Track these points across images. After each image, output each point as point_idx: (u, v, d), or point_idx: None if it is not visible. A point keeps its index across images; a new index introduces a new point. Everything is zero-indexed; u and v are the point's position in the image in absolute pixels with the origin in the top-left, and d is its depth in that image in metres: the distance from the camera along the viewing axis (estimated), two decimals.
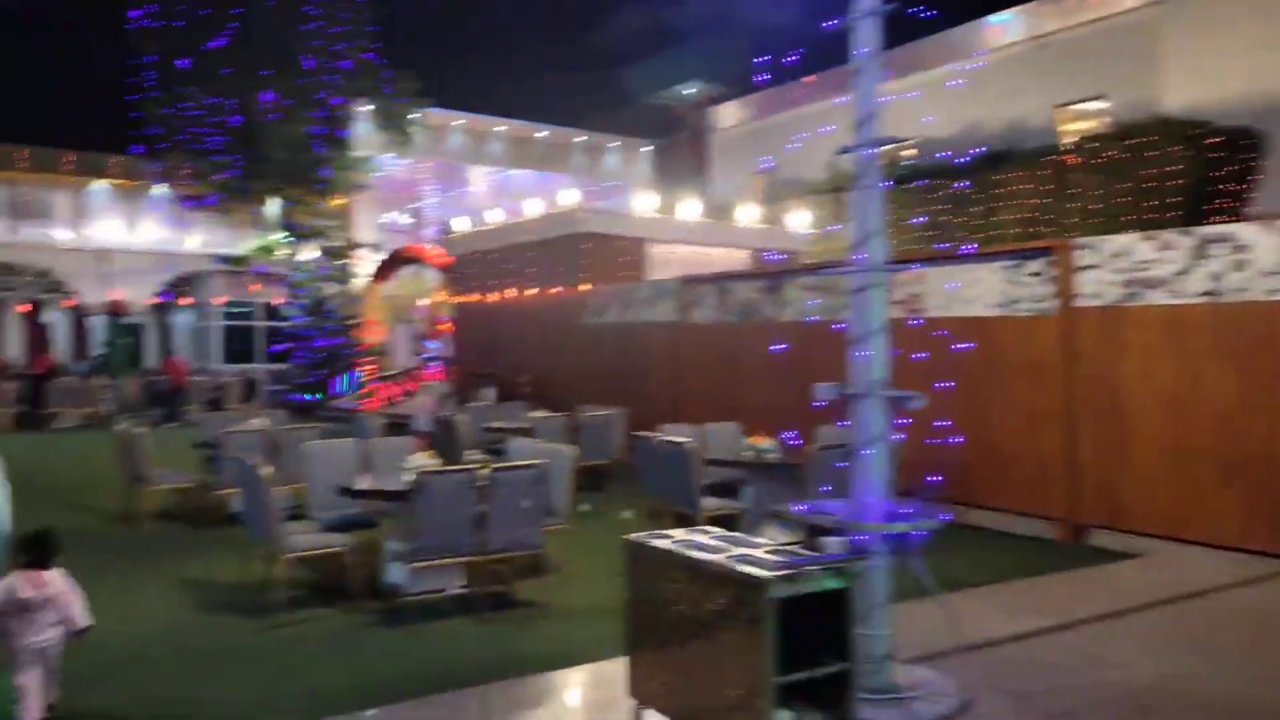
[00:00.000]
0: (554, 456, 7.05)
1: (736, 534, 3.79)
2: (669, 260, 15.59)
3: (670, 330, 12.86)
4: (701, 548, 3.45)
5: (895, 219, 19.12)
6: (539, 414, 11.62)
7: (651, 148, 28.61)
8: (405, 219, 30.89)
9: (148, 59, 21.74)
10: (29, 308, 27.97)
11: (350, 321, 23.21)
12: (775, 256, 16.23)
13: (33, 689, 4.09)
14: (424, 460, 6.63)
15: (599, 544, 8.19)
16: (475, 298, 18.16)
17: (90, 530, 8.96)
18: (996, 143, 17.81)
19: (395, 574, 6.47)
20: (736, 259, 16.31)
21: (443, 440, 10.96)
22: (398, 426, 12.21)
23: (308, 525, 6.83)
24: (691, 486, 7.68)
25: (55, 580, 4.23)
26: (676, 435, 8.48)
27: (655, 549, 3.50)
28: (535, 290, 16.06)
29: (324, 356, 23.77)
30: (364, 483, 6.74)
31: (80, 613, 4.26)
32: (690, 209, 16.01)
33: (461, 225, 19.26)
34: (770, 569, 3.09)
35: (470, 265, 18.38)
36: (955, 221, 16.28)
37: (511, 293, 16.83)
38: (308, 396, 23.22)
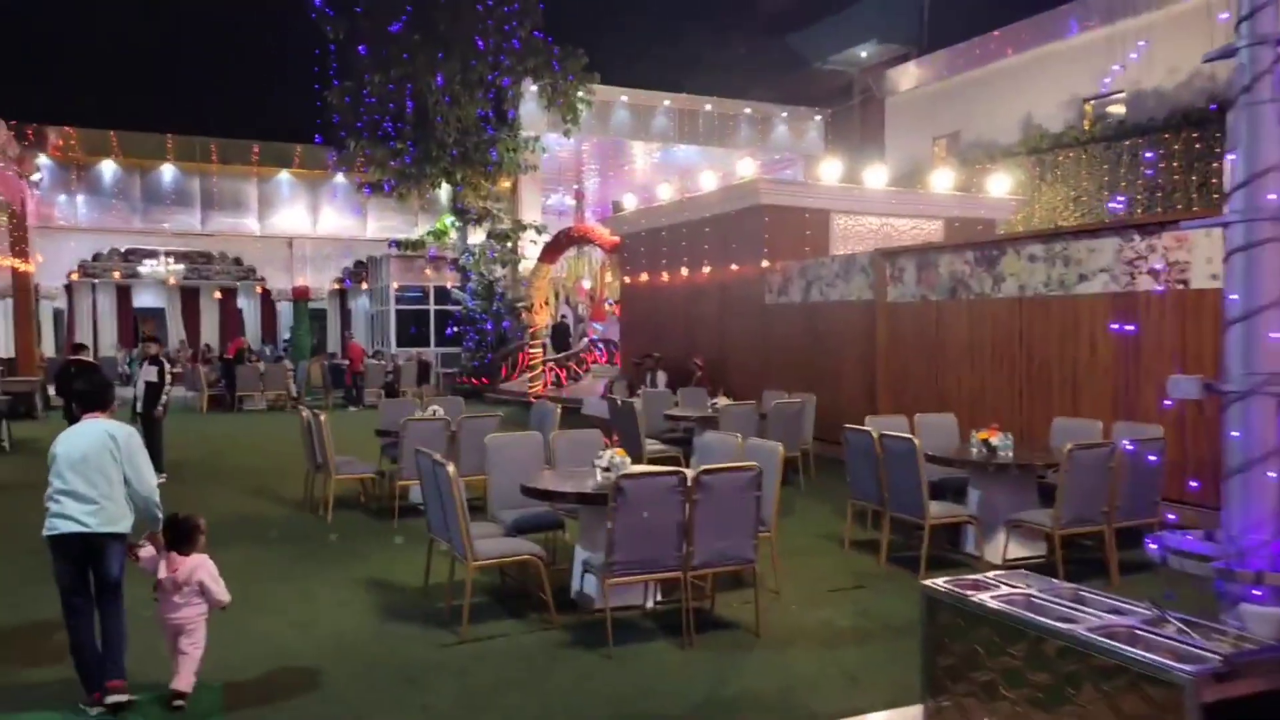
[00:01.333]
0: (761, 455, 6.16)
1: (1069, 584, 2.78)
2: (855, 233, 14.37)
3: (863, 309, 11.77)
4: (1040, 608, 2.46)
5: (1098, 182, 17.06)
6: (723, 401, 10.75)
7: (822, 116, 27.11)
8: (569, 200, 30.65)
9: (330, 47, 22.25)
10: (221, 294, 29.53)
11: (519, 304, 23.17)
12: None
13: (173, 654, 4.43)
14: (617, 458, 5.88)
15: (799, 549, 7.28)
16: (644, 278, 17.49)
17: (273, 518, 8.84)
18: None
19: (586, 584, 5.78)
20: (928, 231, 14.86)
21: (623, 429, 10.34)
22: (568, 411, 11.64)
23: (490, 526, 6.24)
24: (917, 489, 6.62)
25: (189, 567, 4.44)
26: (891, 428, 7.41)
27: (981, 609, 2.53)
28: (709, 269, 15.22)
29: (493, 339, 23.90)
30: (548, 480, 6.09)
31: (218, 595, 4.48)
32: (876, 177, 14.68)
33: (630, 203, 18.57)
34: (1187, 658, 2.08)
35: (639, 244, 17.73)
36: (1190, 180, 14.26)
37: (683, 272, 16.06)
38: (477, 380, 23.39)
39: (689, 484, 5.14)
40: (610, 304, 25.30)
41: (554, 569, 6.15)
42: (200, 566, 4.46)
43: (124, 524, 4.37)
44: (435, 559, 6.31)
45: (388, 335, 27.32)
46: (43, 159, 22.80)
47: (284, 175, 24.96)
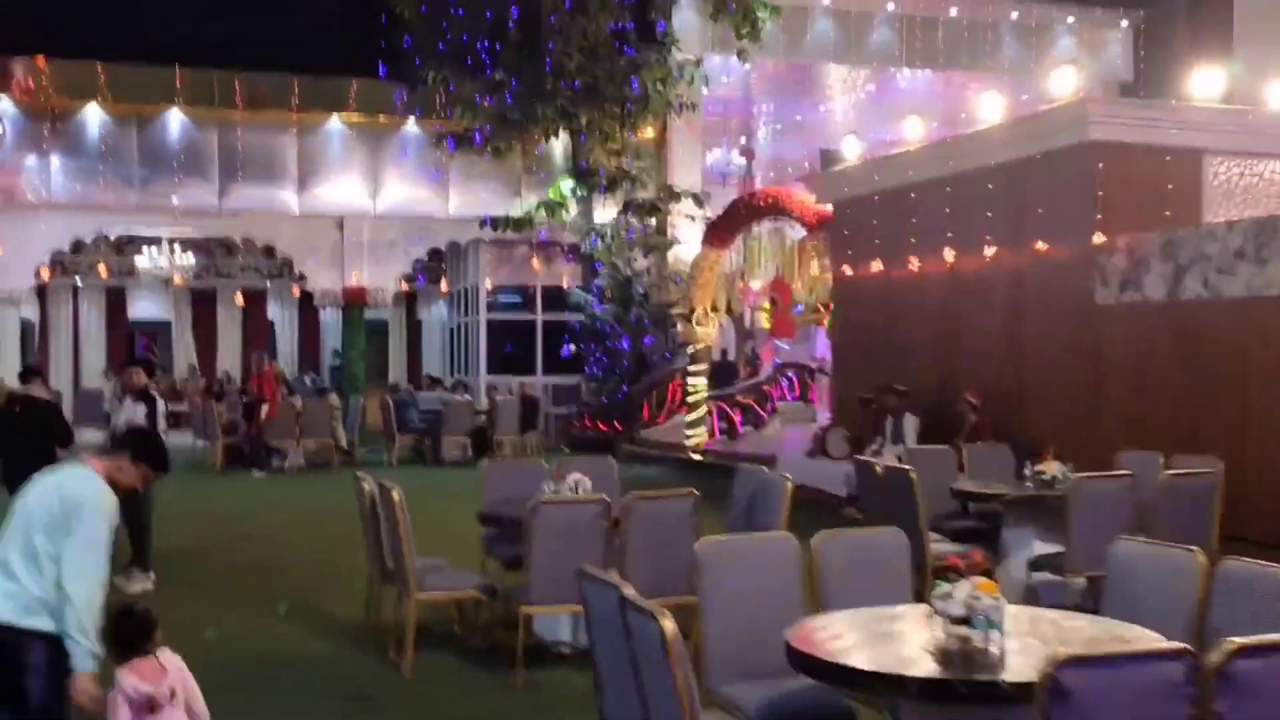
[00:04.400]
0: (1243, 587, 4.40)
1: None
2: (1244, 189, 12.49)
3: None
4: None
5: None
6: (1055, 469, 8.84)
7: (1130, 21, 24.93)
8: (737, 158, 29.30)
9: None
10: (245, 300, 29.24)
11: (671, 310, 21.97)
12: None
13: None
14: (985, 599, 4.10)
15: None
16: (874, 267, 15.85)
17: (315, 660, 7.72)
18: None
19: None
20: None
21: (878, 510, 8.63)
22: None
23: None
24: None
25: (174, 669, 4.57)
26: None
27: None
28: (992, 250, 13.50)
29: (629, 364, 22.69)
30: (831, 639, 4.42)
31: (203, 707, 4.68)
32: None
33: (851, 150, 16.88)
34: None
35: (865, 215, 16.11)
36: None
37: (946, 256, 14.38)
38: (606, 424, 22.14)
39: (1200, 674, 3.31)
40: (799, 311, 23.78)
41: None
42: (183, 670, 4.63)
43: (48, 620, 4.35)
44: None
45: (475, 358, 26.46)
46: (2, 103, 22.66)
47: (334, 124, 24.33)
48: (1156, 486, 8.26)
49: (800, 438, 19.69)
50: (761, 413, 21.38)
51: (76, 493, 4.41)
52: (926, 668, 3.99)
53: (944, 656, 4.05)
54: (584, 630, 7.56)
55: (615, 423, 22.23)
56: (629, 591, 4.10)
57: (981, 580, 4.23)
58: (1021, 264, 13.11)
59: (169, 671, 4.52)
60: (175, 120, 23.47)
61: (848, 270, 16.66)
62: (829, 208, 17.41)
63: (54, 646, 4.33)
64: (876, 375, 15.14)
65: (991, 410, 12.80)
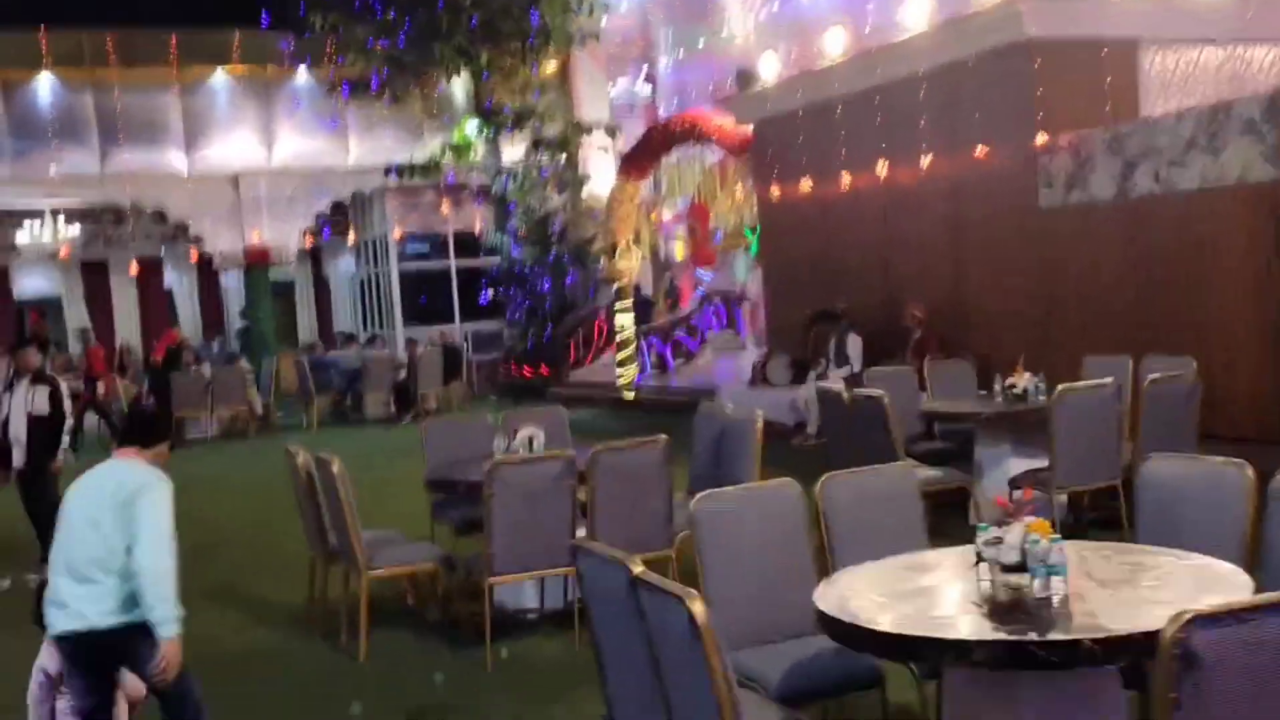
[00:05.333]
0: None
1: None
2: (1181, 78, 12.18)
3: (1248, 200, 9.59)
4: None
5: None
6: (1025, 380, 8.43)
7: None
8: (642, 88, 28.61)
9: None
10: (140, 268, 28.02)
11: (590, 247, 21.50)
12: None
13: None
14: (1040, 542, 3.62)
15: None
16: (803, 187, 15.43)
17: (258, 652, 7.19)
18: None
19: None
20: None
21: (851, 442, 8.15)
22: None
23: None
24: None
25: None
26: None
27: None
28: (928, 159, 13.16)
29: (551, 306, 22.11)
30: (868, 602, 3.95)
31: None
32: None
33: (769, 69, 16.25)
34: None
35: (789, 134, 15.65)
36: None
37: (878, 170, 14.02)
38: (533, 369, 21.62)
39: None
40: (719, 240, 23.39)
41: None
42: None
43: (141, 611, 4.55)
44: None
45: (389, 310, 25.70)
46: None
47: (219, 78, 23.22)
48: (1139, 392, 7.91)
49: (732, 367, 19.29)
50: (691, 344, 20.90)
51: (136, 482, 4.60)
52: (987, 629, 3.49)
53: (999, 611, 3.57)
54: (550, 594, 7.12)
55: (542, 366, 21.68)
56: (640, 569, 3.52)
57: (1035, 520, 3.75)
58: (960, 171, 12.74)
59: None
60: (45, 85, 22.17)
61: (775, 192, 16.20)
62: (749, 129, 16.90)
63: (151, 631, 4.56)
64: (812, 297, 14.82)
65: (937, 323, 12.52)
